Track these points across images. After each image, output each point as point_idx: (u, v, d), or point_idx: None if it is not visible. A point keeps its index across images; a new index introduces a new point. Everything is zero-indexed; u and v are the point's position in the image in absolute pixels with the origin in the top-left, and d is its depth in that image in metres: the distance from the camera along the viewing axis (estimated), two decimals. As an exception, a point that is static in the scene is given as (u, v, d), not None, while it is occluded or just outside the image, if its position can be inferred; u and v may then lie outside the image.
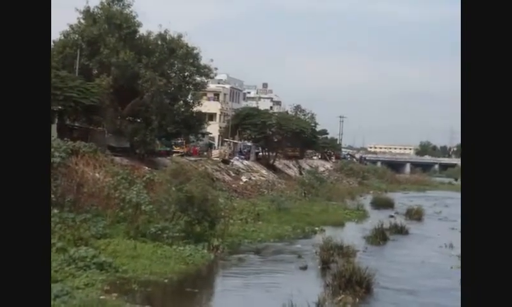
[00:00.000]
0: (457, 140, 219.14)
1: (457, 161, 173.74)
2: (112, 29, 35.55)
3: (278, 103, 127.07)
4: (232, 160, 50.67)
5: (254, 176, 48.58)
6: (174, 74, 38.53)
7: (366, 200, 47.96)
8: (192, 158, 44.23)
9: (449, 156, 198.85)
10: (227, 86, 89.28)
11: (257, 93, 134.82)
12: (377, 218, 29.97)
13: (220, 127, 73.16)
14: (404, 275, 19.54)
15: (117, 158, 31.76)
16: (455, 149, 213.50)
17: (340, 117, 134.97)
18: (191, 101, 40.10)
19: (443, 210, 44.00)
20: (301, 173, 60.77)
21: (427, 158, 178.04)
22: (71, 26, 37.51)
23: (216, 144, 68.94)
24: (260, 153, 61.40)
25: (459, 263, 21.56)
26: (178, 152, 45.91)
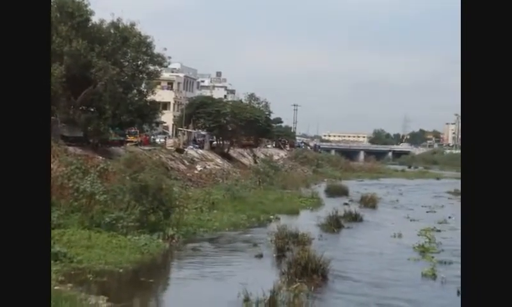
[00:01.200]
0: (410, 128, 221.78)
1: (410, 149, 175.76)
2: (64, 17, 34.97)
3: (232, 92, 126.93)
4: (186, 149, 50.53)
5: (209, 165, 48.53)
6: (127, 63, 38.14)
7: (320, 188, 48.20)
8: (147, 148, 44.03)
9: (402, 144, 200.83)
10: (181, 75, 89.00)
11: (211, 82, 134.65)
12: (332, 206, 30.14)
13: (174, 116, 72.93)
14: (358, 263, 19.70)
15: (70, 148, 31.46)
16: (408, 137, 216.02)
17: (294, 105, 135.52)
18: (145, 90, 39.79)
19: (397, 197, 44.46)
20: (255, 162, 60.81)
21: (380, 146, 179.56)
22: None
23: (170, 133, 68.69)
24: (215, 142, 61.35)
25: (410, 251, 21.88)
26: (132, 141, 45.67)
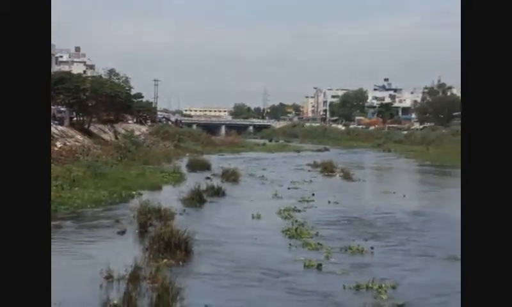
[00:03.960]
0: (270, 101, 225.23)
1: (271, 122, 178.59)
2: None
3: (92, 67, 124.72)
4: (45, 126, 49.09)
5: (69, 142, 47.45)
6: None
7: (182, 163, 48.21)
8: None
9: (263, 117, 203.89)
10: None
11: (70, 57, 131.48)
12: (194, 180, 30.27)
13: (31, 92, 70.64)
14: (220, 236, 19.92)
15: None
16: (268, 110, 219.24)
17: (155, 80, 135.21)
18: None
19: (258, 171, 45.17)
20: (116, 138, 60.06)
21: (241, 120, 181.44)
22: None
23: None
24: (75, 118, 60.04)
25: (272, 228, 22.35)
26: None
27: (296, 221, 22.02)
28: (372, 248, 17.94)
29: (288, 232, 20.17)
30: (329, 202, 27.70)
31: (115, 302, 11.89)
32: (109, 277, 13.75)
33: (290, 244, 18.48)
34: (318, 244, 18.40)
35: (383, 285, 13.72)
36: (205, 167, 44.34)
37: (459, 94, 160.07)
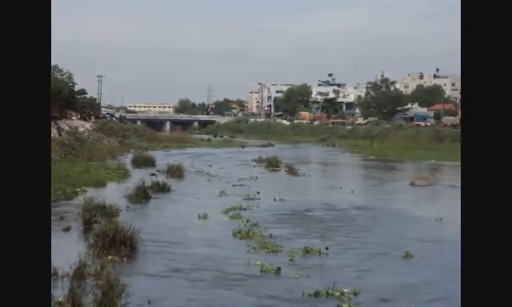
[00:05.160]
0: (214, 97, 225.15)
1: (215, 118, 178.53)
2: None
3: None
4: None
5: (10, 139, 46.78)
6: None
7: (127, 159, 47.90)
8: None
9: (208, 113, 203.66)
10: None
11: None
12: (139, 177, 30.08)
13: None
14: (166, 232, 19.86)
15: None
16: (213, 106, 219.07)
17: (99, 76, 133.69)
18: None
19: (203, 167, 45.19)
20: (60, 134, 59.30)
21: (186, 116, 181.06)
22: None
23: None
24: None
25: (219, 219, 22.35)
26: None
27: (248, 221, 21.30)
28: (327, 248, 17.14)
29: (239, 234, 19.30)
30: (274, 199, 27.45)
31: (60, 299, 11.76)
32: (53, 275, 13.59)
33: (237, 243, 18.42)
34: (276, 246, 17.52)
35: (345, 290, 12.91)
36: (150, 163, 44.13)
37: (402, 89, 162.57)
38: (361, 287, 13.30)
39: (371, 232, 20.51)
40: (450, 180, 39.27)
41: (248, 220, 21.26)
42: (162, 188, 28.98)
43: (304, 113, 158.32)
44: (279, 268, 14.76)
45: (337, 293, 12.77)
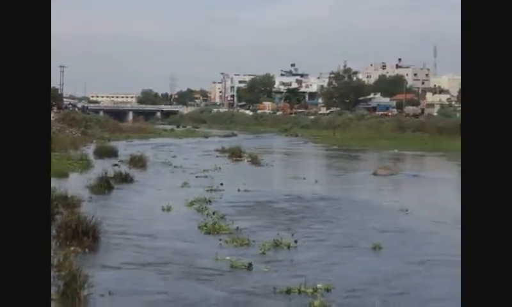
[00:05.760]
0: (177, 87, 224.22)
1: (178, 108, 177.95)
2: None
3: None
4: None
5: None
6: None
7: (90, 150, 47.52)
8: None
9: (171, 103, 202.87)
10: None
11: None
12: (102, 167, 29.83)
13: None
14: (129, 222, 19.74)
15: None
16: (176, 96, 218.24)
17: (61, 66, 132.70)
18: None
19: (166, 156, 45.11)
20: (21, 125, 58.83)
21: (149, 106, 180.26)
22: None
23: None
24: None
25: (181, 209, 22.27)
26: None
27: (214, 213, 20.58)
28: (296, 242, 16.55)
29: (205, 227, 18.54)
30: (238, 190, 27.21)
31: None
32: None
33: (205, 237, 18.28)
34: (248, 239, 16.80)
35: (317, 286, 12.37)
36: (113, 153, 43.85)
37: (364, 79, 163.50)
38: (332, 281, 12.83)
39: (337, 223, 20.22)
40: (413, 169, 39.73)
41: (214, 213, 20.73)
42: (125, 179, 28.80)
43: (263, 104, 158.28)
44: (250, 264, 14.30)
45: (309, 290, 12.19)
